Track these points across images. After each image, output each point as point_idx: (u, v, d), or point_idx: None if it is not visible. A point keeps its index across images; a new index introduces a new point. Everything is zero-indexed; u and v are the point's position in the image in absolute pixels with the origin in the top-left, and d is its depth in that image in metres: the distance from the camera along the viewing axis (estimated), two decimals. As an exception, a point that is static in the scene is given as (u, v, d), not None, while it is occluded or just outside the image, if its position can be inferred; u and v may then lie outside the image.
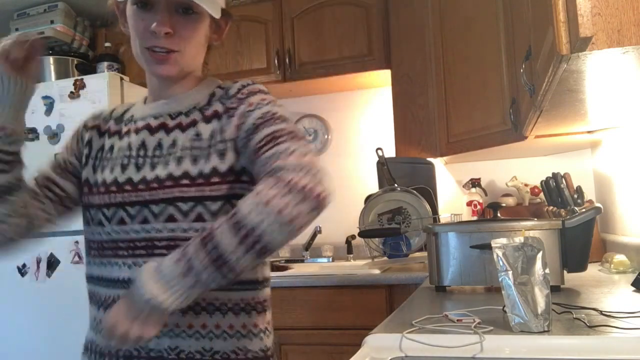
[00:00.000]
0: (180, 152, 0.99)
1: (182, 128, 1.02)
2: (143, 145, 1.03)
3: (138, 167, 1.01)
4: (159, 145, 1.01)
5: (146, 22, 0.99)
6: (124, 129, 1.08)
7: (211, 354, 0.97)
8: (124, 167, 1.02)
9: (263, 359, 1.03)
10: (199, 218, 0.96)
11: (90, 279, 1.09)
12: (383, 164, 2.50)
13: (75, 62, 3.02)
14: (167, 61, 1.00)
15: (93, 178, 1.06)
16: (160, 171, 0.98)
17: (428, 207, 2.40)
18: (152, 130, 1.04)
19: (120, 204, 1.00)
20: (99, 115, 1.16)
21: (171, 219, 0.96)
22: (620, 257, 1.76)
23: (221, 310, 0.99)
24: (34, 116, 2.56)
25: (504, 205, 2.45)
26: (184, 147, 0.99)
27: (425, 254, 2.27)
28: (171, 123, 1.03)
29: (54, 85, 2.56)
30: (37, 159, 2.72)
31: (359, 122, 3.02)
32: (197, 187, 0.96)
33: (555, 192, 2.15)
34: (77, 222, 2.64)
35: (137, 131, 1.05)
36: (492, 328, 1.02)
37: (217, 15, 1.00)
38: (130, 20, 1.03)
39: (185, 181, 0.96)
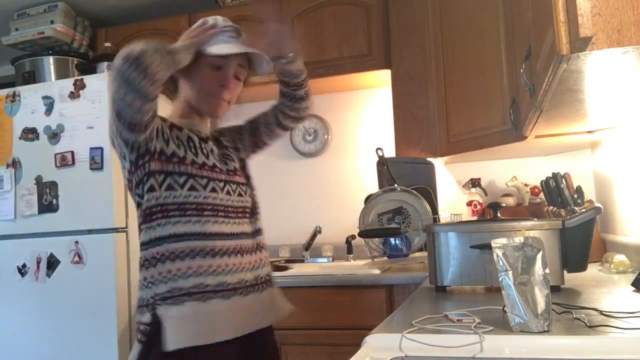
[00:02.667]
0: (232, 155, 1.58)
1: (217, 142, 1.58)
2: (215, 147, 1.52)
3: (224, 161, 1.51)
4: (213, 150, 1.51)
5: (218, 78, 1.45)
6: (197, 135, 1.48)
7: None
8: (207, 156, 1.46)
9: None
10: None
11: (203, 235, 1.37)
12: (383, 164, 2.50)
13: (75, 62, 3.01)
14: (221, 111, 1.49)
15: (191, 157, 1.42)
16: (231, 165, 1.52)
17: (428, 207, 2.40)
18: (218, 142, 1.56)
19: (226, 181, 1.46)
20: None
21: (245, 192, 1.51)
22: (620, 257, 1.76)
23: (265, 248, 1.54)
24: (34, 116, 2.56)
25: (504, 205, 2.44)
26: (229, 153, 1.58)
27: (425, 254, 2.27)
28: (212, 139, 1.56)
29: (54, 85, 2.56)
30: (37, 158, 2.74)
31: (359, 122, 3.03)
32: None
33: (555, 192, 2.15)
34: (76, 222, 2.63)
35: (207, 139, 1.50)
36: (492, 328, 1.02)
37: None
38: (203, 75, 1.44)
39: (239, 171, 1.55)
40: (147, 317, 1.33)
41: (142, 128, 1.29)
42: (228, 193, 1.44)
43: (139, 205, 1.39)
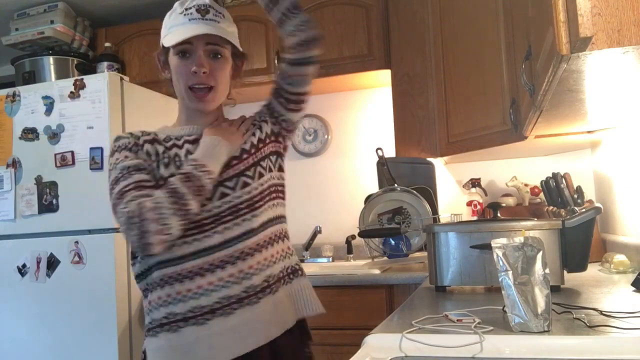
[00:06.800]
0: None
1: None
2: (188, 152, 1.35)
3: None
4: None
5: (188, 66, 1.32)
6: (170, 144, 1.36)
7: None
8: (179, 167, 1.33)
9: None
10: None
11: (171, 260, 1.27)
12: (383, 164, 2.50)
13: (75, 62, 3.02)
14: (206, 99, 1.34)
15: (166, 174, 1.32)
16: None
17: (428, 207, 2.40)
18: (191, 143, 1.36)
19: (220, 183, 1.31)
20: (139, 133, 1.39)
21: (245, 184, 1.33)
22: (620, 257, 1.76)
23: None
24: (34, 116, 2.56)
25: (504, 205, 2.45)
26: None
27: (425, 254, 2.27)
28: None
29: (54, 85, 2.55)
30: (37, 158, 2.74)
31: (359, 122, 3.03)
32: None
33: (555, 192, 2.15)
34: (76, 222, 2.63)
35: (180, 146, 1.35)
36: (492, 328, 1.02)
37: (240, 49, 1.39)
38: (174, 67, 1.35)
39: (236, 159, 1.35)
40: (143, 347, 1.34)
41: None
42: (203, 203, 1.29)
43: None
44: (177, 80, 1.35)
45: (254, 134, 1.39)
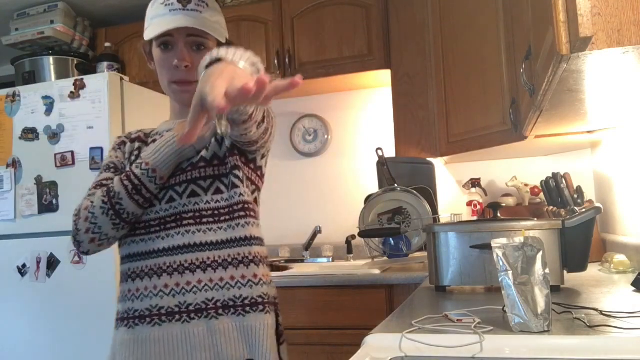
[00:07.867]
0: None
1: None
2: None
3: None
4: None
5: (169, 59, 1.28)
6: (150, 140, 1.35)
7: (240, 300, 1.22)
8: None
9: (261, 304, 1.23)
10: (217, 191, 1.24)
11: (125, 258, 1.28)
12: (383, 164, 2.50)
13: (75, 62, 3.02)
14: (189, 94, 1.22)
15: None
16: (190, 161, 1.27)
17: (428, 207, 2.39)
18: None
19: (171, 186, 1.25)
20: (135, 132, 1.40)
21: (193, 194, 1.24)
22: (620, 257, 1.76)
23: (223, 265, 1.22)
24: (34, 116, 2.56)
25: (504, 205, 2.45)
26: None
27: (425, 254, 2.27)
28: None
29: (54, 85, 2.56)
30: (37, 158, 2.74)
31: (359, 122, 3.03)
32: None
33: (555, 192, 2.15)
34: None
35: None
36: (492, 328, 1.02)
37: (223, 40, 1.30)
38: (157, 60, 1.31)
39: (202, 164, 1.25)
40: None
41: None
42: (153, 204, 1.26)
43: None
44: (160, 74, 1.32)
45: (219, 142, 1.26)
